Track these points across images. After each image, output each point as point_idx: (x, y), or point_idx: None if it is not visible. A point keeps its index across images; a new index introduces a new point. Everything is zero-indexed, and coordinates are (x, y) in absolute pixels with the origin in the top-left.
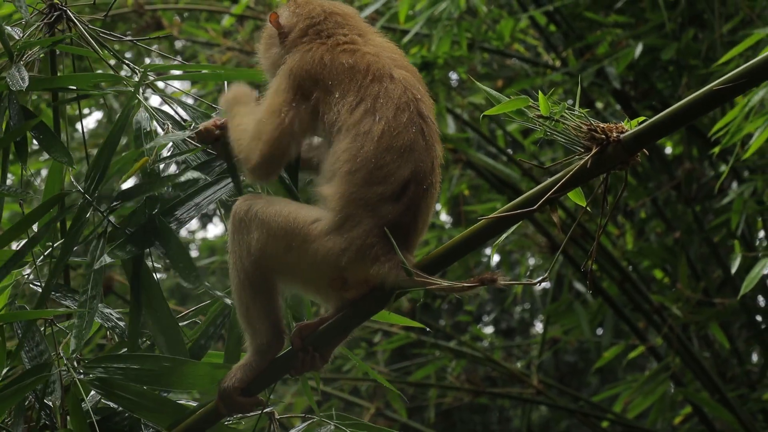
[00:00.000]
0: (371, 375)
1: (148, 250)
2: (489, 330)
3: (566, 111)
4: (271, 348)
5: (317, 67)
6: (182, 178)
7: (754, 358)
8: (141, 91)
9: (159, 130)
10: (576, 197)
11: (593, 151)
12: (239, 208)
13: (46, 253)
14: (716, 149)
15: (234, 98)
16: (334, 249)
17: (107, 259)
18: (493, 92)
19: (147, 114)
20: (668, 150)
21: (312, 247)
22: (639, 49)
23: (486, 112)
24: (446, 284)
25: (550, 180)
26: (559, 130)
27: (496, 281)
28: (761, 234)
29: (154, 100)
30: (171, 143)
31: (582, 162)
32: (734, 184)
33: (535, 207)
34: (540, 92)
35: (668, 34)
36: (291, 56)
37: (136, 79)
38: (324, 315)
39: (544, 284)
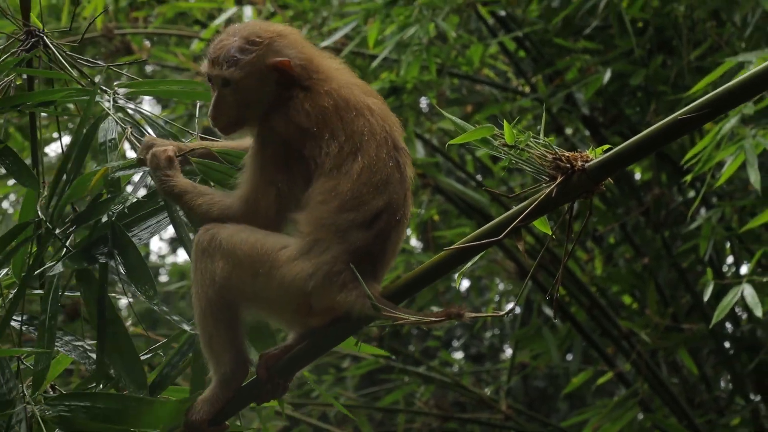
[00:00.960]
0: (336, 405)
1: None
2: (458, 355)
3: (532, 139)
4: (236, 377)
5: (302, 119)
6: (133, 198)
7: (722, 384)
8: (110, 107)
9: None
10: (541, 226)
11: (558, 180)
12: (202, 238)
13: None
14: (688, 177)
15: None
16: (301, 273)
17: (60, 267)
18: (459, 121)
19: (112, 123)
20: (638, 176)
21: (279, 273)
22: (608, 75)
23: (451, 141)
24: (413, 317)
25: (515, 209)
26: (525, 159)
27: (462, 316)
28: (730, 260)
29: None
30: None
31: (547, 191)
32: (702, 210)
33: (500, 237)
34: (505, 121)
35: (637, 60)
36: (275, 115)
37: (107, 103)
38: (288, 343)
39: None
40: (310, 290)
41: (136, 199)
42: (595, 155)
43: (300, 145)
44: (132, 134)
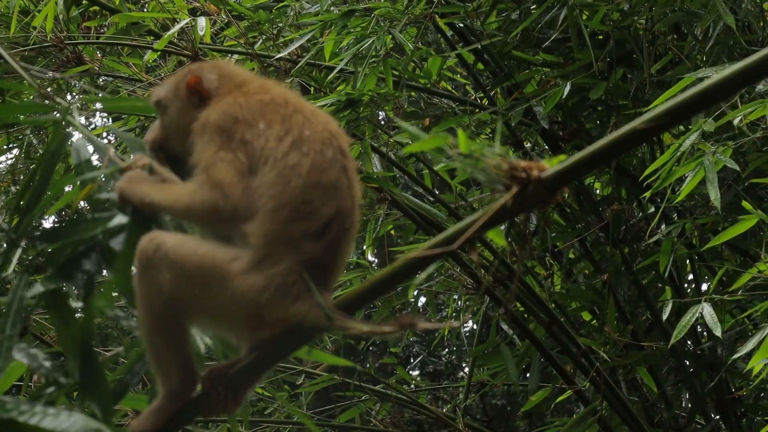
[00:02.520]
0: (296, 415)
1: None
2: (416, 373)
3: (487, 149)
4: (184, 390)
5: (234, 108)
6: (111, 224)
7: (683, 402)
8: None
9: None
10: (496, 237)
11: (514, 190)
12: (146, 248)
13: None
14: (648, 193)
15: (135, 177)
16: (254, 287)
17: (40, 288)
18: (413, 129)
19: (84, 141)
20: (598, 191)
21: (231, 285)
22: (567, 88)
23: (405, 149)
24: (366, 327)
25: (469, 219)
26: (480, 168)
27: (415, 325)
28: (690, 276)
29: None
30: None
31: (502, 201)
32: (663, 226)
33: (453, 246)
34: (460, 129)
35: (597, 73)
36: (204, 112)
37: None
38: (238, 356)
39: (470, 326)
40: (264, 303)
41: (122, 219)
42: (550, 165)
43: (235, 131)
44: (115, 154)
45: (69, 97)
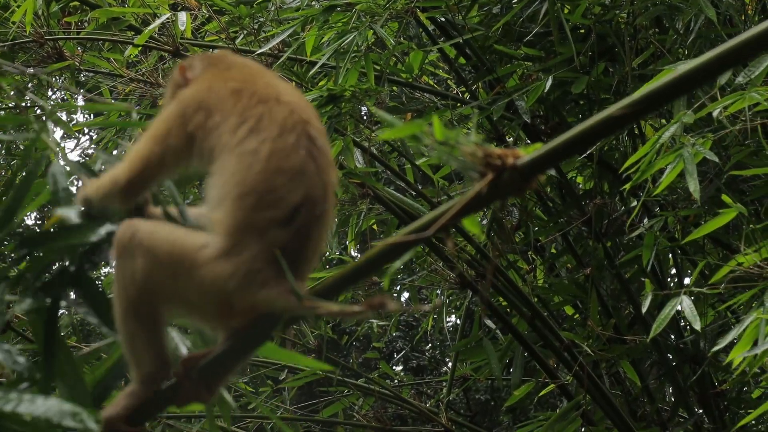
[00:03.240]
0: (272, 419)
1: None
2: (399, 368)
3: (462, 137)
4: (156, 378)
5: (203, 92)
6: (94, 237)
7: (666, 396)
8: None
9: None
10: (471, 226)
11: (489, 177)
12: (122, 235)
13: None
14: (627, 186)
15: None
16: (222, 274)
17: (24, 307)
18: (389, 117)
19: (61, 167)
20: (580, 185)
21: (199, 273)
22: (549, 82)
23: (380, 136)
24: (336, 308)
25: (444, 207)
26: (455, 155)
27: (384, 305)
28: (673, 270)
29: (58, 134)
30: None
31: (477, 188)
32: (645, 220)
33: (428, 232)
34: (435, 116)
35: (579, 67)
36: (184, 90)
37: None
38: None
39: (453, 320)
40: (232, 290)
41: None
42: (526, 153)
43: (193, 116)
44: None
45: (50, 93)
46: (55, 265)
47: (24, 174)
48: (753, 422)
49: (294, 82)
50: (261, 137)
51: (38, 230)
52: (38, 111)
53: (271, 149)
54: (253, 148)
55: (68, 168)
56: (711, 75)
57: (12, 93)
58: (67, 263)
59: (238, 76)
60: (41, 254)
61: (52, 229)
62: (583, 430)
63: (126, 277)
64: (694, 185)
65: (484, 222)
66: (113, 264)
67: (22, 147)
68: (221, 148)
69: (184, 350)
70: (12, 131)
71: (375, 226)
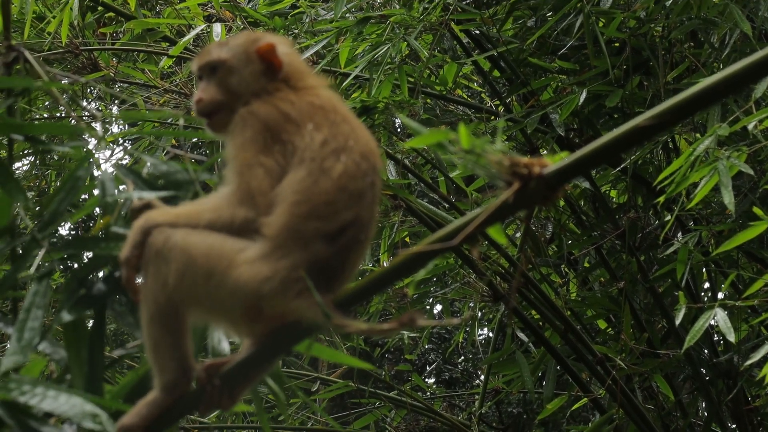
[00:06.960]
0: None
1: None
2: (431, 380)
3: (489, 145)
4: (178, 385)
5: (286, 106)
6: None
7: (699, 411)
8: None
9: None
10: (497, 235)
11: (515, 186)
12: (156, 240)
13: None
14: (661, 199)
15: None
16: (258, 276)
17: (67, 316)
18: (415, 124)
19: (109, 175)
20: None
21: (235, 272)
22: (583, 95)
23: (407, 143)
24: (365, 327)
25: (470, 215)
26: (482, 164)
27: (414, 321)
28: (706, 285)
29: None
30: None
31: (503, 197)
32: (679, 234)
33: (454, 241)
34: (461, 124)
35: (613, 81)
36: (258, 101)
37: (96, 125)
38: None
39: (486, 333)
40: (265, 293)
41: None
42: (552, 162)
43: (281, 129)
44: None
45: (85, 103)
46: (98, 273)
47: (71, 179)
48: None
49: None
50: (342, 159)
51: (83, 235)
52: (73, 121)
53: (344, 169)
54: (328, 166)
55: (116, 174)
56: (739, 86)
57: (64, 101)
58: (112, 270)
59: (311, 90)
60: (86, 261)
61: (99, 234)
62: None
63: (158, 283)
64: (729, 198)
65: (518, 235)
66: (144, 271)
67: (56, 157)
68: (303, 158)
69: (226, 346)
70: (63, 141)
71: (408, 239)
